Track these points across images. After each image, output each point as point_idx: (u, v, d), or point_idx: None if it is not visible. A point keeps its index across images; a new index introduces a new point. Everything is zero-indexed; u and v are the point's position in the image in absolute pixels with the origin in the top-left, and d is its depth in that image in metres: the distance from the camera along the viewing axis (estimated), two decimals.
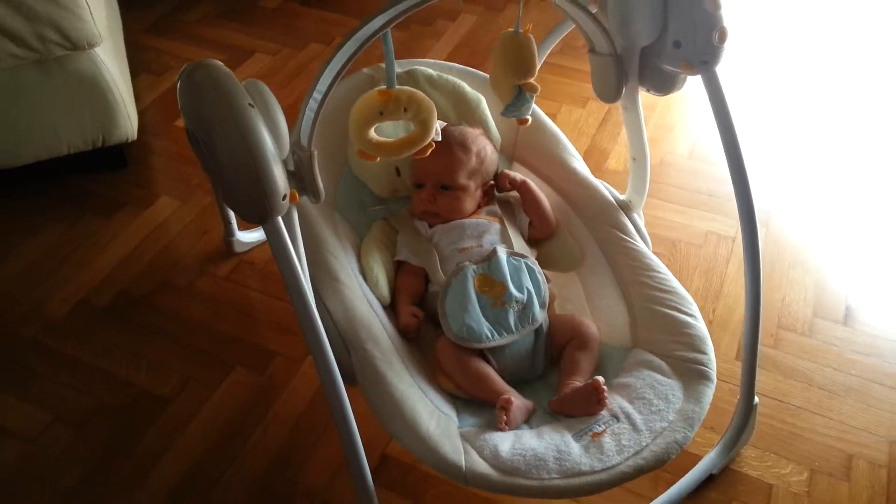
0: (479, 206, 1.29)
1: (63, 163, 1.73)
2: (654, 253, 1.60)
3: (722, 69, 1.03)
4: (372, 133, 1.03)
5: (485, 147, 1.28)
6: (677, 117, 2.01)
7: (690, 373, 1.05)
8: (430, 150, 1.06)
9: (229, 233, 1.55)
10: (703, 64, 1.02)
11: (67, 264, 1.63)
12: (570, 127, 1.98)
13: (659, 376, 1.05)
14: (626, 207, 1.27)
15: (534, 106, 1.36)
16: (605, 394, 1.00)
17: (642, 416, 0.99)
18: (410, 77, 1.30)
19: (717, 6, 0.99)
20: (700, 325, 1.10)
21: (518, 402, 1.04)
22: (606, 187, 1.31)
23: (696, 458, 1.24)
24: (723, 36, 1.00)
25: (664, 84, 1.11)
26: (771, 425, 1.32)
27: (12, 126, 1.61)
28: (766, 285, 1.57)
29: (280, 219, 0.85)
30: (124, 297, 1.57)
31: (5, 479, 1.27)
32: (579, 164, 1.32)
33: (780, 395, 1.37)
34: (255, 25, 2.39)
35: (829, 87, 2.15)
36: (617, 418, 0.99)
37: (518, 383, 1.11)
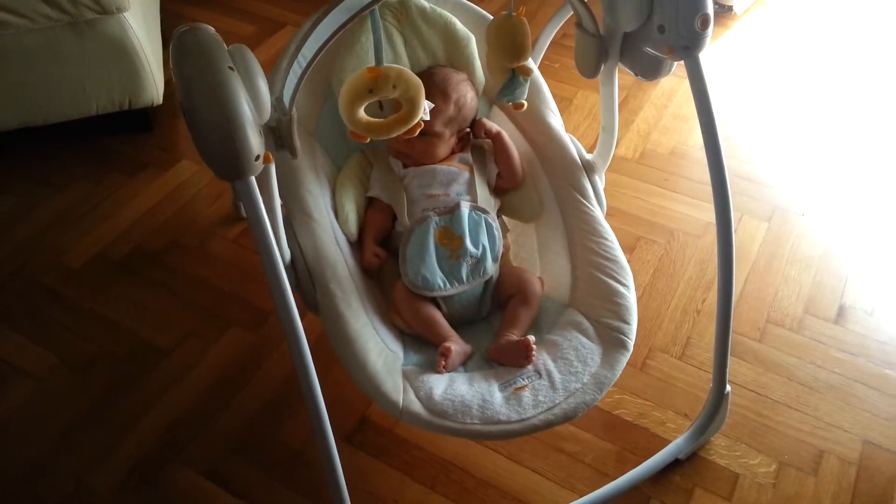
0: (452, 153, 1.32)
1: (92, 123, 1.82)
2: (651, 241, 1.64)
3: (705, 55, 1.04)
4: (361, 112, 1.07)
5: (465, 94, 1.30)
6: (691, 108, 1.98)
7: (612, 340, 1.11)
8: (418, 130, 1.10)
9: (237, 196, 1.62)
10: (685, 49, 1.03)
11: (89, 219, 1.73)
12: (584, 112, 2.00)
13: (584, 339, 1.12)
14: (589, 168, 1.30)
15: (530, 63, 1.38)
16: (534, 352, 1.09)
17: (561, 375, 1.07)
18: (403, 6, 1.30)
19: None
20: (630, 297, 1.15)
21: (457, 347, 1.13)
22: (575, 144, 1.32)
23: (665, 443, 1.27)
24: (705, 22, 1.01)
25: (650, 69, 1.12)
26: (745, 416, 1.33)
27: (45, 85, 1.70)
28: (760, 280, 1.57)
29: (253, 178, 0.90)
30: (138, 253, 1.65)
31: (12, 415, 1.37)
32: (554, 119, 1.33)
33: (759, 388, 1.38)
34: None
35: (839, 85, 2.11)
36: (539, 374, 1.08)
37: (464, 324, 1.21)
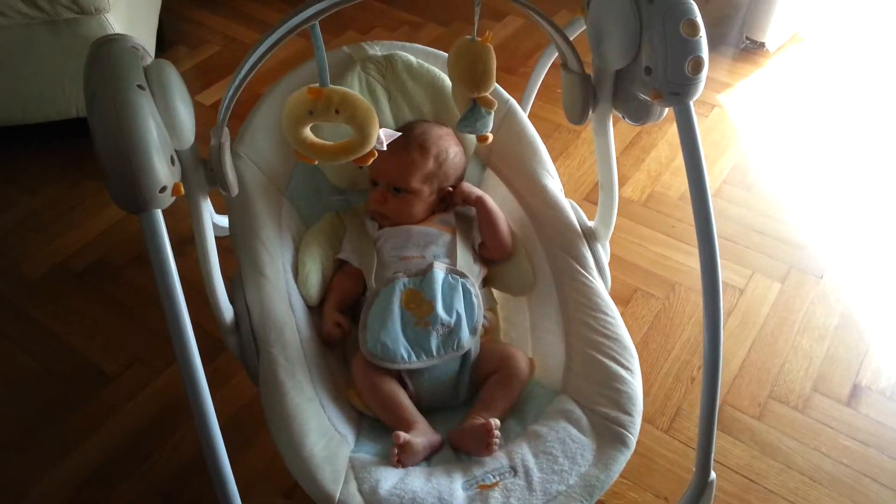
0: (433, 213, 1.21)
1: (72, 126, 1.75)
2: (649, 294, 1.49)
3: (694, 102, 0.91)
4: (308, 133, 0.96)
5: (447, 149, 1.19)
6: (709, 151, 1.84)
7: (608, 433, 0.94)
8: (371, 159, 0.99)
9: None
10: (673, 95, 0.90)
11: (56, 225, 1.65)
12: (590, 147, 1.86)
13: (574, 431, 0.95)
14: (590, 236, 1.15)
15: (518, 111, 1.26)
16: (497, 440, 0.94)
17: (542, 474, 0.90)
18: (388, 62, 1.22)
19: (694, 31, 0.87)
20: (634, 383, 0.98)
21: (419, 438, 0.96)
22: (576, 210, 1.19)
23: None
24: (697, 66, 0.88)
25: (638, 112, 1.00)
26: None
27: (24, 83, 1.63)
28: (767, 348, 1.41)
29: (158, 213, 0.79)
30: (99, 266, 1.57)
31: None
32: (552, 182, 1.20)
33: (752, 474, 1.22)
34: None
35: (877, 133, 1.93)
36: (515, 471, 0.91)
37: (436, 409, 1.05)
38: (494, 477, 0.91)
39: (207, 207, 0.95)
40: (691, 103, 0.91)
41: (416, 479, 0.90)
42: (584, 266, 1.11)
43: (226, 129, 0.90)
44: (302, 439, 0.92)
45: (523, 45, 2.21)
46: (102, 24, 1.57)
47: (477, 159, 1.30)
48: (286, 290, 1.08)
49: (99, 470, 1.23)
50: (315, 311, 1.13)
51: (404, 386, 1.04)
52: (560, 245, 1.14)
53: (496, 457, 0.94)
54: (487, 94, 0.99)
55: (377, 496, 0.87)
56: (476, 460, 0.94)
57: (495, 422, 0.95)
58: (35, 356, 1.39)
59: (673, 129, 1.87)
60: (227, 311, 1.03)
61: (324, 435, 0.94)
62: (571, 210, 1.18)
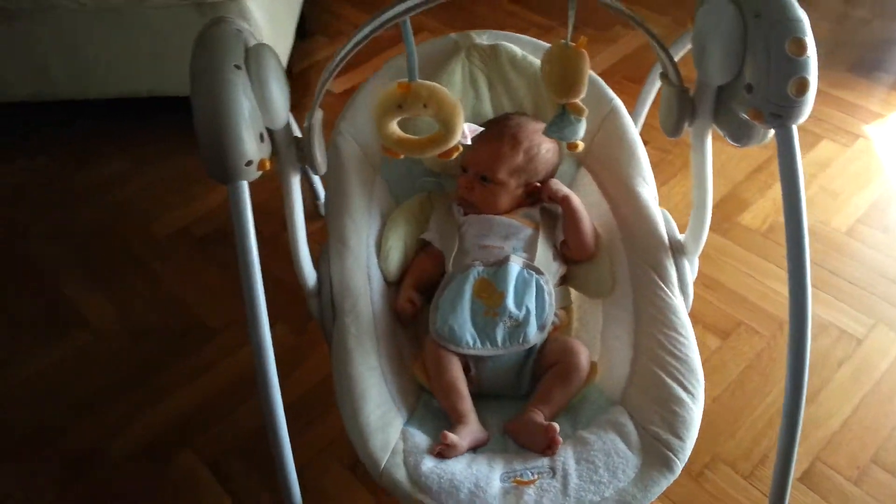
0: (519, 206, 1.20)
1: None
2: (753, 330, 1.39)
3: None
4: (395, 127, 0.99)
5: (539, 145, 1.18)
6: (847, 184, 1.68)
7: (656, 454, 0.91)
8: (455, 153, 1.01)
9: (315, 196, 1.60)
10: (773, 117, 0.84)
11: (185, 192, 1.80)
12: (719, 170, 1.75)
13: (622, 445, 0.93)
14: (677, 249, 1.10)
15: (622, 112, 1.22)
16: (559, 445, 0.93)
17: (579, 481, 0.89)
18: (493, 51, 1.22)
19: (801, 49, 0.80)
20: (693, 408, 0.94)
21: (466, 441, 0.97)
22: (667, 221, 1.14)
23: None
24: (802, 88, 0.81)
25: (739, 132, 0.94)
26: None
27: (173, 58, 1.78)
28: (879, 406, 1.28)
29: (244, 185, 0.85)
30: (218, 234, 1.69)
31: (62, 362, 1.45)
32: (646, 190, 1.15)
33: None
34: (442, 8, 2.41)
35: None
36: (553, 473, 0.91)
37: (495, 396, 1.08)
38: (533, 474, 0.91)
39: (297, 182, 1.00)
40: (794, 127, 0.85)
41: (458, 463, 0.93)
42: (666, 280, 1.06)
43: (318, 113, 0.95)
44: (360, 405, 0.96)
45: (653, 55, 2.13)
46: (241, 9, 1.69)
47: (571, 158, 1.28)
48: (367, 263, 1.13)
49: (183, 418, 1.34)
50: (393, 286, 1.17)
51: (468, 369, 1.06)
52: (644, 255, 1.10)
53: (536, 456, 0.94)
54: (577, 100, 0.97)
55: (419, 471, 0.90)
56: (519, 454, 0.95)
57: (556, 426, 0.94)
58: (156, 310, 1.54)
59: (809, 157, 1.74)
60: (310, 276, 1.09)
61: (381, 404, 0.98)
62: (662, 220, 1.13)
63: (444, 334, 1.05)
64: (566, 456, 0.93)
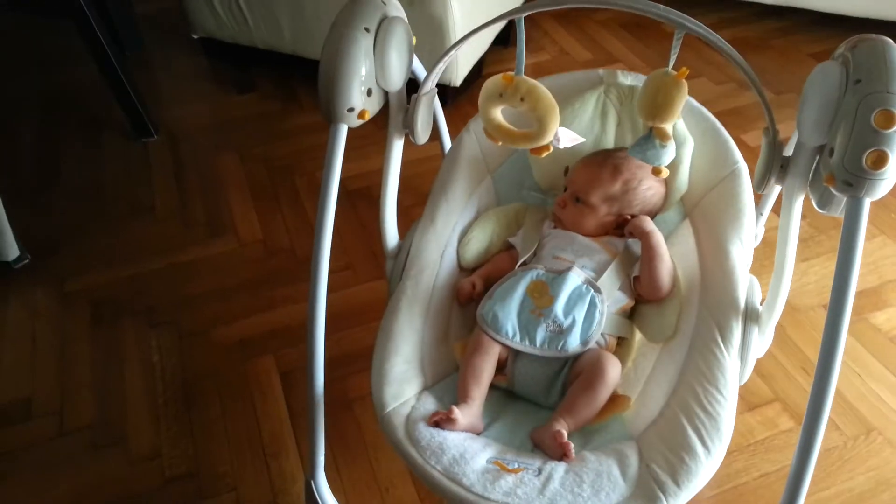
0: (605, 233, 1.23)
1: None
2: (836, 427, 1.34)
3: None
4: (497, 114, 1.09)
5: (640, 179, 1.20)
6: None
7: (646, 491, 0.90)
8: (545, 153, 1.08)
9: None
10: (845, 185, 0.82)
11: (357, 151, 1.95)
12: (866, 259, 1.63)
13: (616, 472, 0.93)
14: (751, 316, 1.07)
15: (743, 176, 1.19)
16: (571, 454, 0.96)
17: (560, 488, 0.90)
18: (631, 92, 1.26)
19: (888, 123, 0.78)
20: (704, 462, 0.92)
21: (465, 420, 1.01)
22: (751, 287, 1.10)
23: None
24: (879, 161, 0.79)
25: (823, 197, 0.91)
26: None
27: None
28: None
29: (342, 128, 1.00)
30: (365, 191, 1.89)
31: (209, 259, 1.73)
32: (738, 251, 1.11)
33: None
34: (640, 41, 2.45)
35: None
36: (539, 472, 0.93)
37: (531, 401, 1.12)
38: (520, 465, 0.93)
39: (398, 145, 1.13)
40: (866, 202, 0.82)
41: (454, 434, 0.98)
42: (726, 341, 1.04)
43: (430, 88, 1.07)
44: (389, 355, 1.06)
45: None
46: (444, 5, 1.87)
47: (680, 209, 1.28)
48: (446, 243, 1.23)
49: (280, 330, 1.54)
50: (464, 273, 1.25)
51: (504, 365, 1.10)
52: (713, 311, 1.08)
53: (535, 455, 0.97)
54: (664, 126, 0.99)
55: (416, 425, 0.97)
56: (514, 447, 0.99)
57: (563, 432, 0.97)
58: (294, 239, 1.77)
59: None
60: (391, 239, 1.22)
61: (409, 361, 1.07)
62: (745, 283, 1.10)
63: (488, 319, 1.10)
64: (558, 466, 0.94)
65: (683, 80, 0.97)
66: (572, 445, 0.96)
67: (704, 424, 0.95)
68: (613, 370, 1.06)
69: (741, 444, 1.29)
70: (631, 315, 1.20)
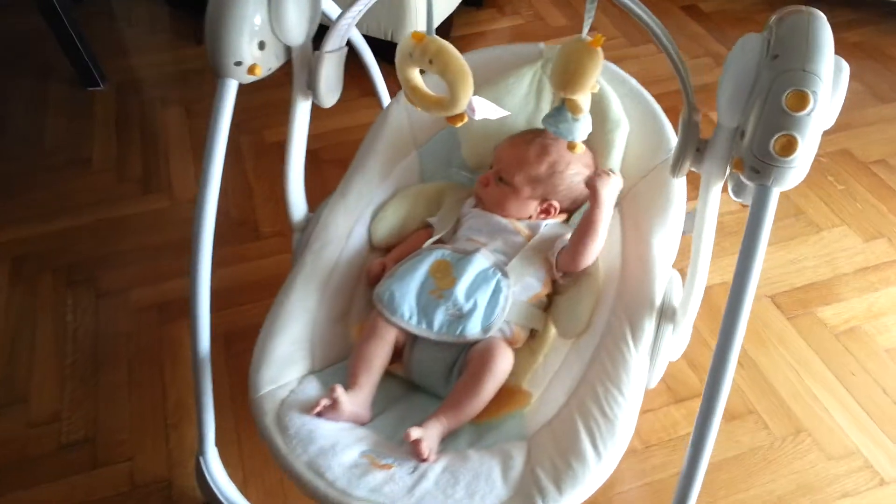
0: (527, 216, 1.15)
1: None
2: (765, 426, 1.32)
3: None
4: (414, 75, 1.01)
5: (567, 164, 1.13)
6: None
7: (525, 496, 0.84)
8: (460, 122, 1.00)
9: None
10: (752, 172, 0.75)
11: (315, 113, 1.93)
12: (825, 250, 1.55)
13: (497, 474, 0.87)
14: (665, 312, 1.00)
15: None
16: (429, 457, 0.89)
17: (432, 487, 0.84)
18: None
19: (800, 105, 0.70)
20: (592, 468, 0.86)
21: (350, 407, 0.93)
22: (672, 283, 1.03)
23: None
24: (787, 147, 0.71)
25: (739, 185, 0.84)
26: None
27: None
28: None
29: (230, 83, 0.91)
30: (321, 154, 1.80)
31: (142, 217, 1.66)
32: (662, 245, 1.05)
33: None
34: (623, 11, 2.34)
35: None
36: (413, 470, 0.86)
37: (423, 390, 1.06)
38: (392, 461, 0.87)
39: (303, 108, 1.05)
40: (774, 191, 0.74)
41: (329, 423, 0.92)
42: (636, 338, 0.96)
43: (334, 46, 0.99)
44: (274, 334, 0.99)
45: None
46: None
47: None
48: (356, 219, 1.15)
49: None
50: (374, 253, 1.18)
51: (401, 353, 1.04)
52: (626, 306, 1.00)
53: (418, 450, 0.90)
54: (577, 98, 0.91)
55: (285, 410, 0.91)
56: (393, 443, 0.93)
57: (421, 441, 0.89)
58: (229, 196, 1.66)
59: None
60: (296, 208, 1.16)
61: (295, 343, 1.00)
62: (664, 280, 1.02)
63: (384, 298, 1.03)
64: (437, 463, 0.88)
65: (598, 49, 0.89)
66: (424, 445, 0.89)
67: (599, 426, 0.89)
68: (502, 362, 0.99)
69: (662, 439, 1.23)
70: (547, 307, 1.13)
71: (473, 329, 1.01)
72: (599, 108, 1.17)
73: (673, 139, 1.13)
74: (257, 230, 1.62)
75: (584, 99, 0.92)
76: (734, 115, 0.79)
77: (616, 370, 0.94)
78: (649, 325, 0.98)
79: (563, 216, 1.19)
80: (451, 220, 1.17)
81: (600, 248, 1.08)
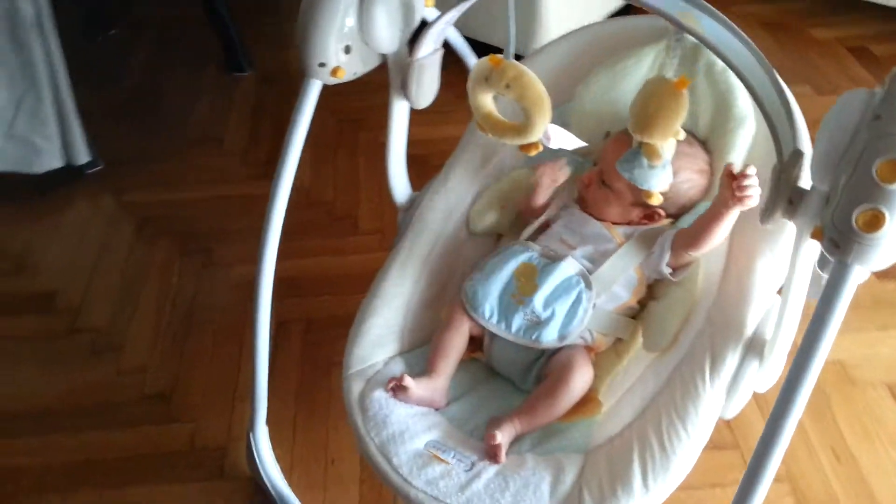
0: (628, 222, 1.08)
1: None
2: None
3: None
4: (485, 100, 0.99)
5: (678, 172, 1.01)
6: None
7: None
8: (535, 151, 0.99)
9: None
10: (832, 245, 0.66)
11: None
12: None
13: (545, 488, 0.87)
14: (753, 346, 0.91)
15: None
16: (501, 457, 0.91)
17: (481, 489, 0.87)
18: (694, 53, 1.06)
19: (893, 177, 0.61)
20: (640, 501, 0.83)
21: (420, 392, 0.97)
22: (766, 315, 0.93)
23: None
24: (871, 223, 0.63)
25: (822, 254, 0.74)
26: None
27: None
28: None
29: (314, 83, 0.94)
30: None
31: (259, 201, 1.74)
32: (765, 268, 0.94)
33: None
34: (779, 44, 2.17)
35: None
36: (472, 466, 0.89)
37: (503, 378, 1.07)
38: (452, 458, 0.90)
39: (400, 108, 1.08)
40: (853, 269, 0.65)
41: (405, 409, 0.96)
42: (714, 370, 0.89)
43: (428, 51, 0.99)
44: (369, 316, 1.04)
45: None
46: None
47: None
48: (456, 205, 1.15)
49: (289, 281, 1.49)
50: (474, 239, 1.16)
51: (480, 346, 1.05)
52: (713, 332, 0.93)
53: (477, 447, 0.92)
54: (655, 143, 0.84)
55: (369, 393, 0.96)
56: (463, 433, 0.95)
57: (499, 442, 0.91)
58: (337, 190, 1.77)
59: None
60: (399, 194, 1.19)
61: (387, 325, 1.04)
62: (760, 310, 0.92)
63: (468, 296, 1.04)
64: (498, 465, 0.90)
65: (682, 91, 0.82)
66: (503, 451, 0.91)
67: (654, 459, 0.86)
68: (581, 378, 0.97)
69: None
70: (638, 314, 1.07)
71: (549, 336, 1.00)
72: (723, 101, 1.05)
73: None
74: (357, 225, 1.67)
75: (665, 146, 0.85)
76: (825, 177, 0.70)
77: (685, 402, 0.88)
78: (732, 358, 0.90)
79: (668, 221, 1.10)
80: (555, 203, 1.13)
81: (723, 237, 0.97)
